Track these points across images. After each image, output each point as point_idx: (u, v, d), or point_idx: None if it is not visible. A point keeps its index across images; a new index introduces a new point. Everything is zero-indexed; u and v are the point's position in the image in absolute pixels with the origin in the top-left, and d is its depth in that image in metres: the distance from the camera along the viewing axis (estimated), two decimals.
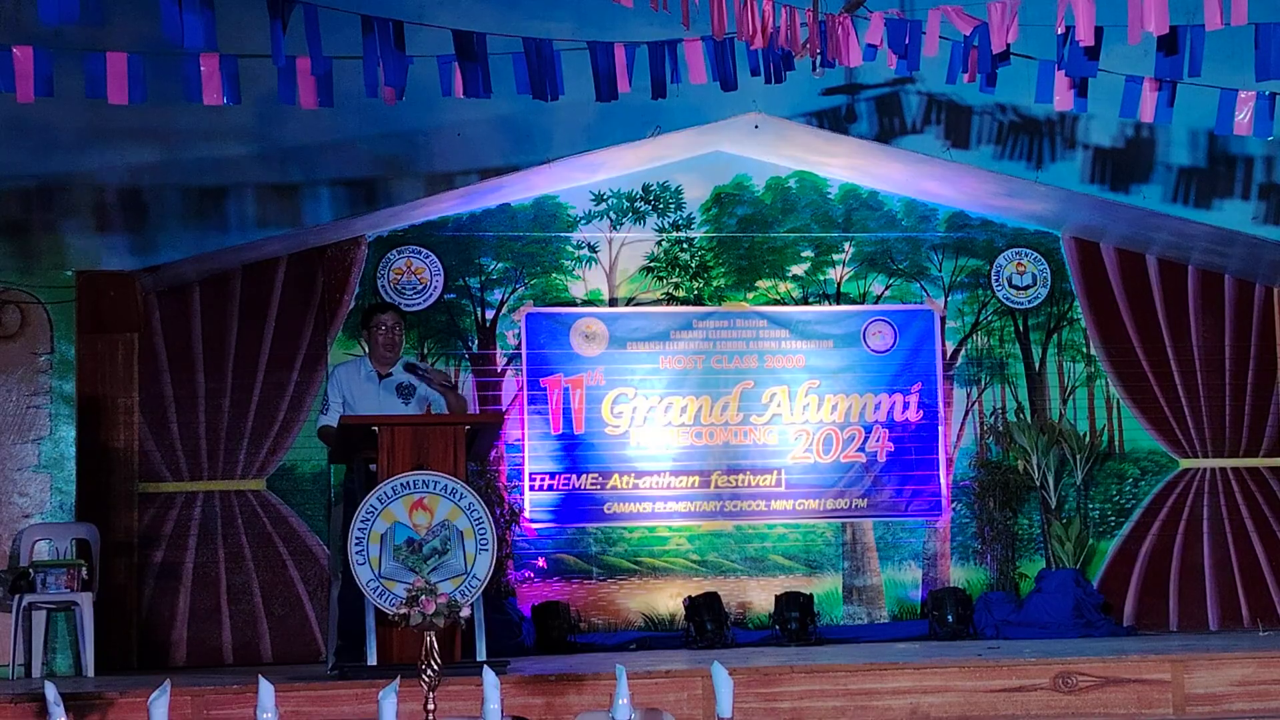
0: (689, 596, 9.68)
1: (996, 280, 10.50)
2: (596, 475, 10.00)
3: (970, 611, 9.78)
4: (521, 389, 10.01)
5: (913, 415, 10.26)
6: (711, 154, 10.20)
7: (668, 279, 10.25)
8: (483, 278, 10.10)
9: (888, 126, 9.36)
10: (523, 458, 9.95)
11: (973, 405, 10.41)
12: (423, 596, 4.99)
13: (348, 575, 6.79)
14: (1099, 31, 6.91)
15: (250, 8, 7.46)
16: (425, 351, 9.88)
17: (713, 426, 10.15)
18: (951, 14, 7.39)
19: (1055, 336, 10.53)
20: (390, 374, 7.64)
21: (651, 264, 10.26)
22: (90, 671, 8.18)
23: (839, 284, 10.39)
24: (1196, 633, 10.03)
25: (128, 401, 9.23)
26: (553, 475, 9.97)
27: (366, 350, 7.91)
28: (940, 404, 10.31)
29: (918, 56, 7.59)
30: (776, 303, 10.31)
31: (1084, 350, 10.53)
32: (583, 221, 10.20)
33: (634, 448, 10.06)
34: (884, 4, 8.04)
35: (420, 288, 9.98)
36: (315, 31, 6.96)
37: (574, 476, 9.99)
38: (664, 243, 10.25)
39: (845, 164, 10.10)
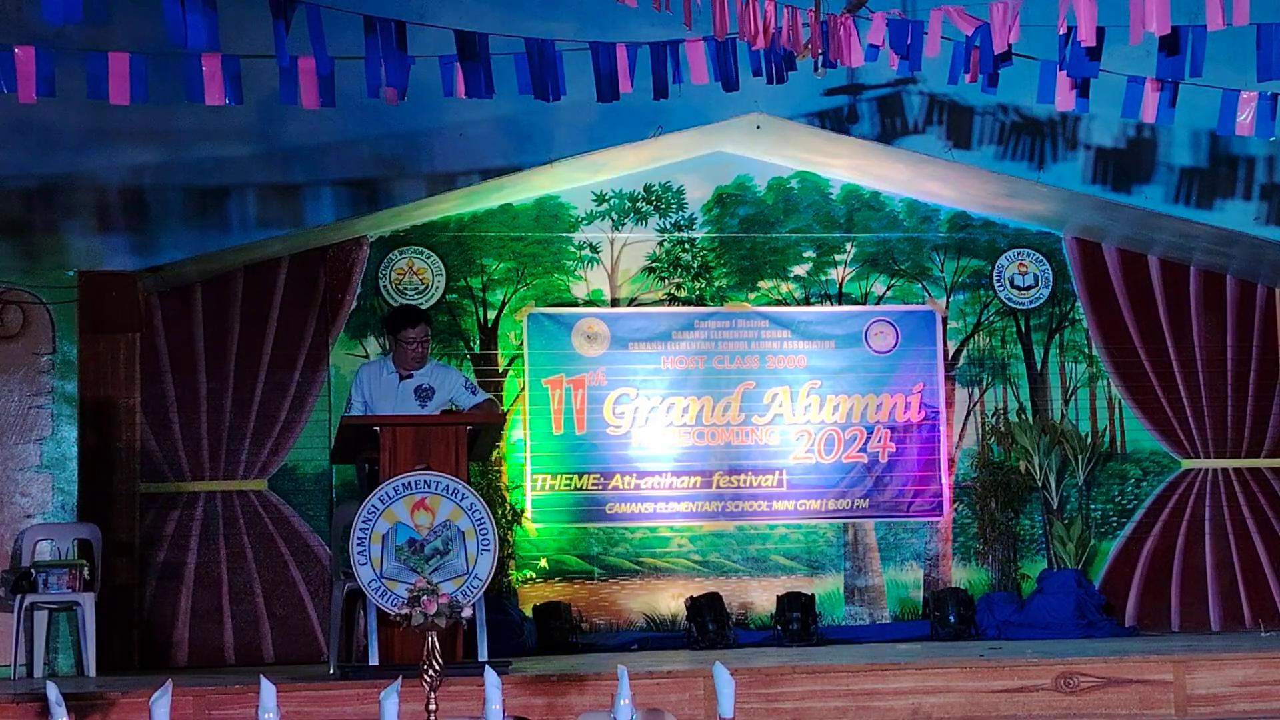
0: (691, 597, 9.67)
1: (998, 281, 10.50)
2: (598, 476, 10.00)
3: (972, 612, 9.77)
4: (523, 389, 10.00)
5: (914, 416, 10.26)
6: (713, 154, 10.19)
7: (669, 279, 10.24)
8: (484, 278, 10.10)
9: (889, 127, 9.35)
10: (525, 458, 9.95)
11: (974, 406, 10.41)
12: (424, 597, 4.99)
13: None
14: (1101, 32, 6.91)
15: (252, 7, 7.45)
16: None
17: (714, 427, 10.14)
18: (953, 14, 7.39)
19: (1057, 337, 10.52)
20: (411, 375, 7.65)
21: (653, 264, 10.25)
22: (92, 671, 8.17)
23: (841, 284, 10.38)
24: (1198, 633, 10.02)
25: (129, 402, 9.21)
26: (554, 475, 9.97)
27: (387, 351, 7.91)
28: (942, 404, 10.30)
29: (919, 57, 7.58)
30: (778, 303, 10.30)
31: (1086, 351, 10.52)
32: (584, 222, 10.19)
33: (636, 448, 10.06)
34: (886, 4, 8.03)
35: (422, 288, 9.98)
36: (318, 31, 6.95)
37: (576, 477, 9.98)
38: (666, 243, 10.25)
39: (847, 164, 10.10)
